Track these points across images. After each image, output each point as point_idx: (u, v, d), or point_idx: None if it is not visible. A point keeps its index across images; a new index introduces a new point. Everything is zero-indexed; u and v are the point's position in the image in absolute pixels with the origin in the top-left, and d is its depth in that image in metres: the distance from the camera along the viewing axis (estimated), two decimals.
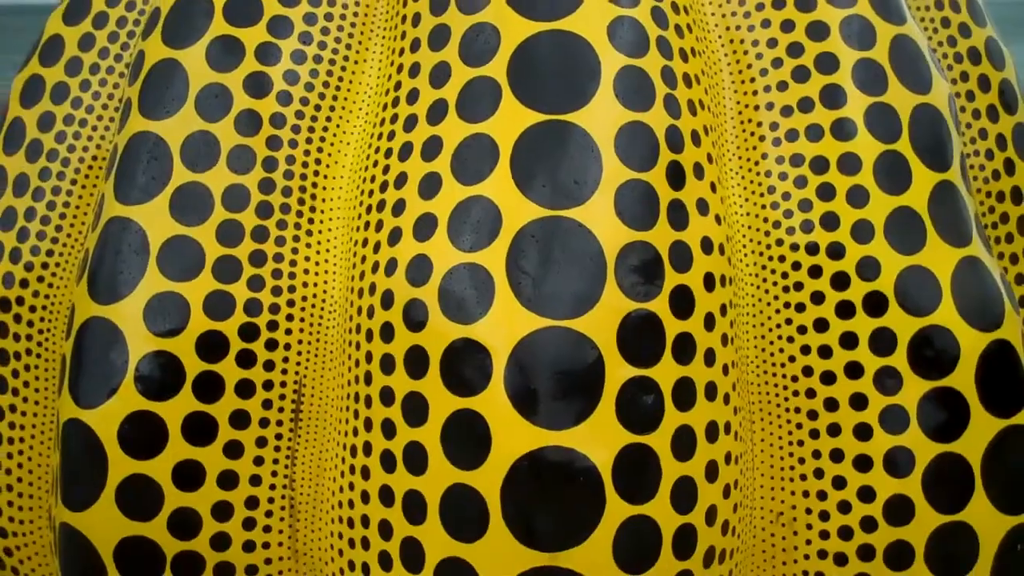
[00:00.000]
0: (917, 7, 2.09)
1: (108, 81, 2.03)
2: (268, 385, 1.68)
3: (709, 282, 1.60)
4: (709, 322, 1.60)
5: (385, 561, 1.59)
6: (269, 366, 1.69)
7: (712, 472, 1.59)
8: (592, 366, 1.50)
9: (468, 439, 1.50)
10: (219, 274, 1.68)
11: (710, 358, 1.59)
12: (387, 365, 1.57)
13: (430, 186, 1.59)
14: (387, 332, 1.58)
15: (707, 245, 1.62)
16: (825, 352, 1.67)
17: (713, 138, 1.71)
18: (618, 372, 1.51)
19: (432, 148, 1.61)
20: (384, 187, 1.65)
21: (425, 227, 1.57)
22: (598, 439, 1.50)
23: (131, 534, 1.67)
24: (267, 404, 1.68)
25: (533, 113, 1.57)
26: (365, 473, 1.61)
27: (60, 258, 2.02)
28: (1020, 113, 2.10)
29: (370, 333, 1.60)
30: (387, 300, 1.58)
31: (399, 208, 1.61)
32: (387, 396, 1.57)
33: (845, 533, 1.67)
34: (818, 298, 1.68)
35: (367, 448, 1.60)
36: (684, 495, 1.55)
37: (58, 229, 2.01)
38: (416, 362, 1.54)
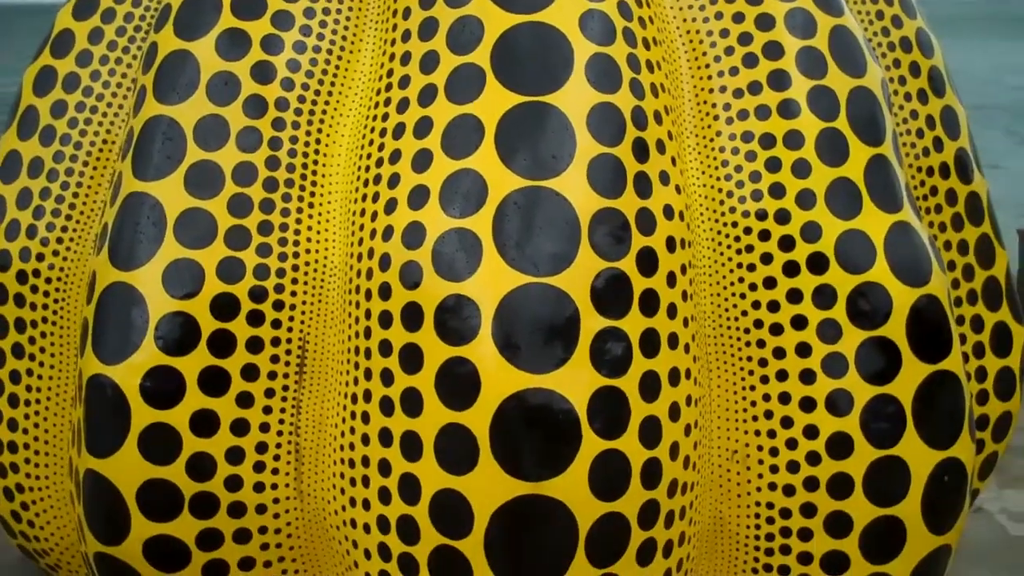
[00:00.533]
0: (854, 1, 2.30)
1: (116, 71, 2.21)
2: (275, 342, 1.87)
3: (671, 244, 1.81)
4: (671, 280, 1.80)
5: (384, 496, 1.78)
6: (276, 324, 1.87)
7: (675, 413, 1.79)
8: (569, 318, 1.70)
9: (460, 384, 1.70)
10: (230, 242, 1.86)
11: (672, 312, 1.79)
12: (385, 320, 1.76)
13: (422, 161, 1.78)
14: (385, 291, 1.77)
15: (669, 212, 1.82)
16: (773, 307, 1.88)
17: (673, 117, 1.92)
18: (591, 323, 1.71)
19: (423, 127, 1.80)
20: (380, 163, 1.83)
21: (419, 197, 1.76)
22: (575, 382, 1.70)
23: (152, 477, 1.85)
24: (275, 359, 1.87)
25: (514, 95, 1.77)
26: (365, 418, 1.79)
27: (74, 233, 2.20)
28: (948, 97, 2.33)
29: (369, 292, 1.79)
30: (385, 262, 1.77)
31: (394, 181, 1.80)
32: (385, 348, 1.76)
33: (792, 467, 1.88)
34: (767, 259, 1.89)
35: (367, 395, 1.79)
36: (650, 433, 1.75)
37: (71, 207, 2.19)
38: (412, 317, 1.73)
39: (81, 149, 2.20)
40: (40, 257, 2.19)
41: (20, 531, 2.35)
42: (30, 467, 2.27)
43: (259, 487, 1.90)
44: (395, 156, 1.82)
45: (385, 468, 1.78)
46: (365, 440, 1.81)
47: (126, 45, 2.22)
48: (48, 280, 2.19)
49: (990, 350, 2.36)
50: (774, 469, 1.91)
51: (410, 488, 1.76)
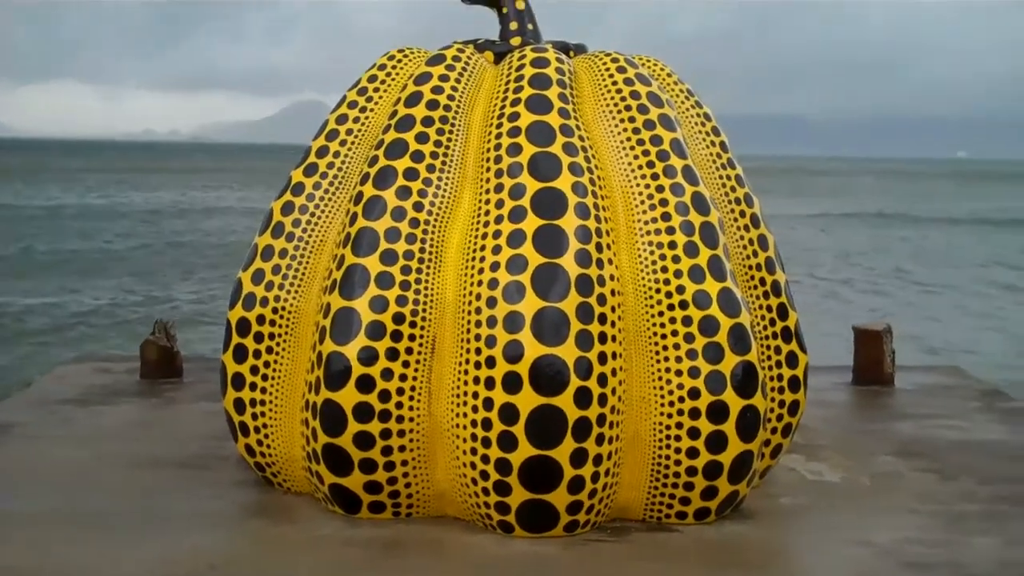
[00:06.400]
0: (714, 165, 4.38)
1: (332, 204, 4.25)
2: (421, 337, 3.87)
3: (612, 292, 3.86)
4: (612, 309, 3.85)
5: (475, 409, 3.77)
6: (422, 328, 3.88)
7: (613, 372, 3.82)
8: (564, 323, 3.73)
9: (514, 352, 3.71)
10: (401, 287, 3.88)
11: (612, 324, 3.83)
12: (478, 324, 3.77)
13: (496, 250, 3.83)
14: (478, 311, 3.79)
15: (612, 277, 3.88)
16: (662, 326, 3.91)
17: (613, 234, 3.97)
18: (575, 326, 3.74)
19: (498, 235, 3.86)
20: (475, 251, 3.87)
21: (495, 267, 3.80)
22: (567, 353, 3.73)
23: (360, 400, 3.83)
24: (421, 345, 3.88)
25: (541, 220, 3.83)
26: (465, 372, 3.79)
27: (299, 290, 4.19)
28: (761, 229, 4.41)
29: (471, 312, 3.80)
30: (478, 298, 3.79)
31: (483, 259, 3.83)
32: (478, 338, 3.77)
33: (671, 404, 3.88)
34: (659, 302, 3.93)
35: (467, 361, 3.79)
36: (601, 380, 3.78)
37: (302, 274, 4.19)
38: (491, 322, 3.75)
39: (308, 244, 4.21)
40: (284, 300, 4.18)
41: (260, 451, 4.29)
42: (269, 413, 4.22)
43: (410, 408, 3.87)
44: (483, 248, 3.86)
45: (475, 396, 3.77)
46: (465, 383, 3.79)
47: (333, 192, 4.26)
48: (287, 311, 4.18)
49: (785, 364, 4.39)
50: (662, 406, 3.90)
51: (488, 403, 3.74)
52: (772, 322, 4.39)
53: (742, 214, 4.42)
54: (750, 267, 4.38)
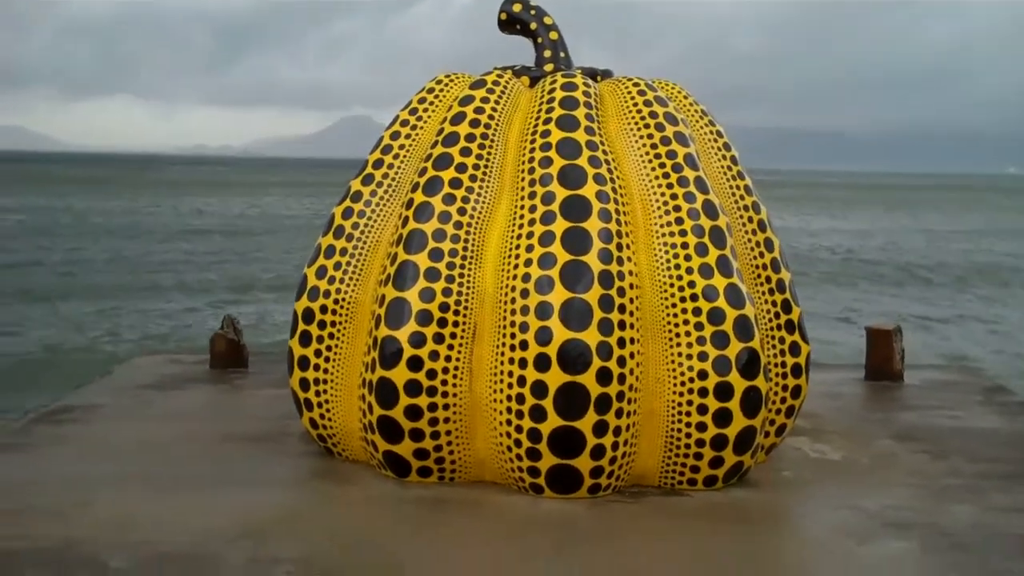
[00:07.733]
0: (728, 181, 4.94)
1: (384, 208, 4.84)
2: (464, 323, 4.45)
3: (631, 285, 4.42)
4: (631, 301, 4.40)
5: (510, 386, 4.33)
6: (464, 316, 4.46)
7: (632, 356, 4.38)
8: (588, 311, 4.30)
9: (546, 336, 4.28)
10: (446, 280, 4.46)
11: (631, 313, 4.39)
12: (513, 312, 4.35)
13: (530, 248, 4.40)
14: (513, 300, 4.36)
15: (631, 273, 4.44)
16: (674, 315, 4.46)
17: (632, 236, 4.53)
18: (597, 315, 4.31)
19: (531, 235, 4.43)
20: (511, 248, 4.45)
21: (528, 262, 4.38)
22: (591, 337, 4.30)
23: (410, 378, 4.41)
24: (464, 330, 4.45)
25: (569, 223, 4.40)
26: (502, 354, 4.36)
27: (356, 283, 4.79)
28: (768, 232, 4.97)
29: (508, 302, 4.38)
30: (514, 289, 4.37)
31: (518, 256, 4.41)
32: (513, 324, 4.34)
33: (682, 383, 4.43)
34: (672, 295, 4.48)
35: (504, 344, 4.36)
36: (621, 361, 4.34)
37: (359, 269, 4.78)
38: (525, 311, 4.32)
39: (365, 244, 4.81)
40: (343, 292, 4.78)
41: (322, 424, 4.88)
42: (330, 391, 4.82)
43: (454, 385, 4.45)
44: (518, 247, 4.44)
45: (510, 374, 4.34)
46: (502, 363, 4.37)
47: (388, 199, 4.86)
48: (347, 301, 4.77)
49: (789, 353, 4.92)
50: (675, 386, 4.46)
51: (521, 381, 4.31)
52: (777, 315, 4.93)
53: (750, 220, 4.97)
54: (757, 266, 4.93)
